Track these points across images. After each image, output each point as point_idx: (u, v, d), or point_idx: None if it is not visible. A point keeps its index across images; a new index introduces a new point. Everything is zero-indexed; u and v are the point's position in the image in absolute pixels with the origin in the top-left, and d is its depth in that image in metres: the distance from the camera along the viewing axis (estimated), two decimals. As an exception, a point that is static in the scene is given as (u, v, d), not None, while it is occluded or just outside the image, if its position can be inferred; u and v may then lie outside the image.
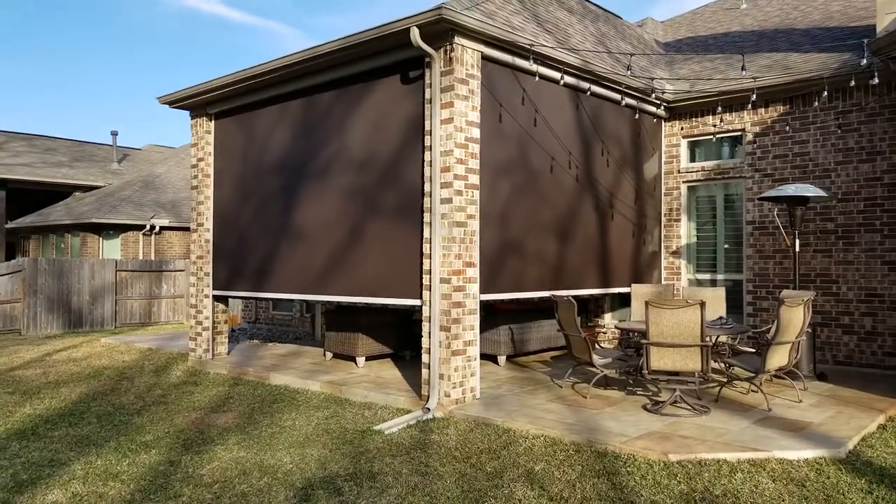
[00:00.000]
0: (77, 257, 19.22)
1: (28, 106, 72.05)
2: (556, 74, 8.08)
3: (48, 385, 8.83)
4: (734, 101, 9.88)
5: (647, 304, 6.44)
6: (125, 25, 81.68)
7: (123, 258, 19.84)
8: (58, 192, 24.39)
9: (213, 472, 5.20)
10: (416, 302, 7.31)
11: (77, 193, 24.25)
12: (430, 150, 7.12)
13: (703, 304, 6.27)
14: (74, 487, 4.92)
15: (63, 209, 22.35)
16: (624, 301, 11.07)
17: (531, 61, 7.60)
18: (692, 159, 10.71)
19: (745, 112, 9.90)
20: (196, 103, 10.22)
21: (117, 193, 22.06)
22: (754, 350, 8.15)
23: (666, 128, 10.73)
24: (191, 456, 5.60)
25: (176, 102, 10.30)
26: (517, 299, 10.27)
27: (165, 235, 20.99)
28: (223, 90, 9.45)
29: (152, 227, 20.43)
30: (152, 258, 20.45)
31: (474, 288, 7.22)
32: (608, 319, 11.27)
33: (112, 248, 20.39)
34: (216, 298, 10.31)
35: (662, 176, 10.74)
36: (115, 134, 27.28)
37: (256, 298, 11.46)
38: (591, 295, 9.61)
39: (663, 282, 10.59)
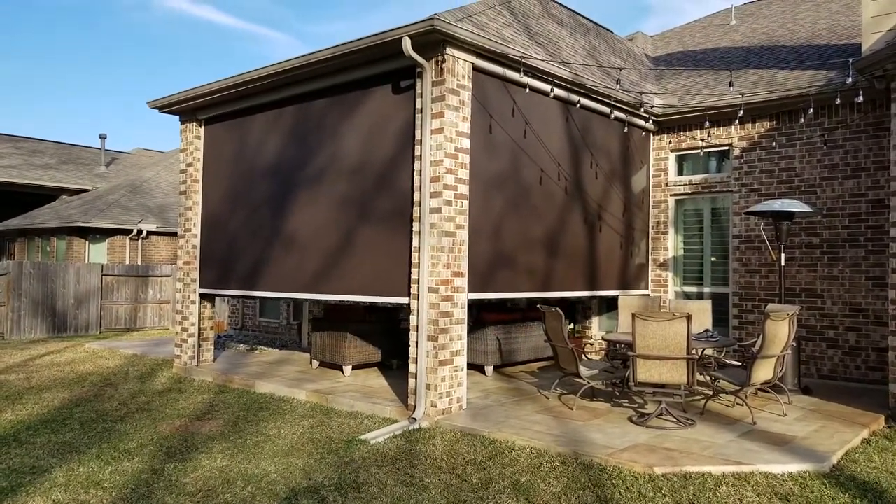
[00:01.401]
0: (63, 261, 19.07)
1: (15, 108, 71.50)
2: (547, 87, 8.14)
3: (31, 390, 8.73)
4: (722, 116, 9.98)
5: (633, 316, 6.47)
6: (117, 28, 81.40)
7: (110, 262, 19.69)
8: (44, 195, 24.20)
9: (196, 480, 5.16)
10: (405, 300, 7.31)
11: (64, 196, 24.07)
12: (421, 159, 7.14)
13: (689, 317, 6.30)
14: (56, 495, 4.86)
15: (49, 212, 22.16)
16: (611, 309, 11.12)
17: (522, 73, 7.65)
18: (680, 173, 10.80)
19: (733, 127, 10.00)
20: (186, 108, 10.19)
21: (105, 197, 21.90)
22: (740, 363, 8.21)
23: (654, 141, 10.81)
24: (174, 464, 5.55)
25: (166, 107, 10.26)
26: (505, 309, 10.30)
27: (153, 240, 20.86)
28: (214, 96, 9.43)
29: (139, 232, 20.31)
30: (139, 263, 20.30)
31: (462, 298, 7.23)
32: (595, 330, 11.31)
33: (98, 253, 20.23)
34: (203, 297, 10.24)
35: (650, 189, 10.82)
36: (103, 137, 27.09)
37: (245, 297, 11.42)
38: (579, 298, 9.63)
39: (650, 293, 10.65)
